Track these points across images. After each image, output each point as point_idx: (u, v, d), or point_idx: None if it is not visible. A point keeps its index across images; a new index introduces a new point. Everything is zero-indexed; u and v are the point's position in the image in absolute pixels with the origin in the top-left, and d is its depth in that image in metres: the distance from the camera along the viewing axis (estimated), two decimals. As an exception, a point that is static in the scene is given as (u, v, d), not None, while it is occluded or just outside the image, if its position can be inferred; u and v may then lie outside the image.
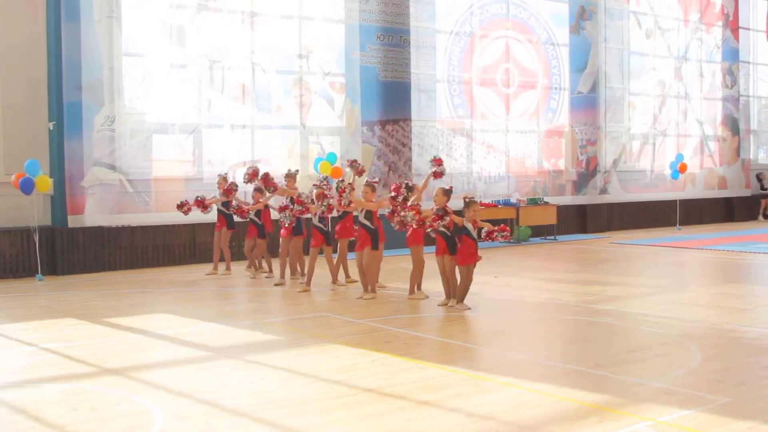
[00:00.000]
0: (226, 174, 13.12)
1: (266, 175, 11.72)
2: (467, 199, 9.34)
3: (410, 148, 16.89)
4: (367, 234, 10.31)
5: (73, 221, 13.34)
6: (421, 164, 17.17)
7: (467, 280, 9.44)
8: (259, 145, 15.32)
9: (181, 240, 14.33)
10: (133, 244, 13.91)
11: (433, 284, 10.48)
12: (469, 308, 9.46)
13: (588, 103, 20.21)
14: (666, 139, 22.18)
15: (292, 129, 15.76)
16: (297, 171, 12.36)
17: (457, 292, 9.56)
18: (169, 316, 9.50)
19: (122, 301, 10.61)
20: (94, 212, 13.52)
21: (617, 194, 20.82)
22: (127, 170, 13.86)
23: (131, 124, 13.93)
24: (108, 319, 9.29)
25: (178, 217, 13.55)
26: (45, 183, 12.35)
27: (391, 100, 16.59)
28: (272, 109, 15.60)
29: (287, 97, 15.76)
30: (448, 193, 9.52)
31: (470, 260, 9.36)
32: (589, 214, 20.04)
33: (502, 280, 12.09)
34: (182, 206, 12.70)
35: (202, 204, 12.67)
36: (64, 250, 13.23)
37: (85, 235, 13.40)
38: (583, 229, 19.88)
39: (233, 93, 15.13)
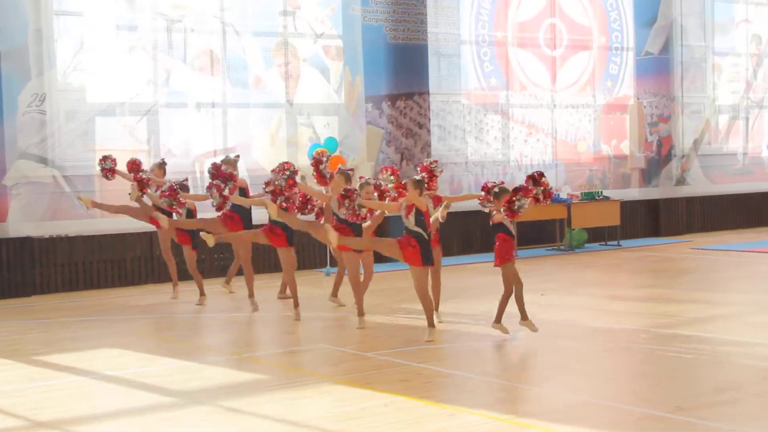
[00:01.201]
0: (162, 161, 12.93)
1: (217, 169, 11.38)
2: (496, 189, 9.24)
3: (428, 130, 16.90)
4: (351, 230, 10.05)
5: (-7, 231, 13.41)
6: (441, 149, 17.18)
7: (510, 285, 9.35)
8: (234, 129, 15.36)
9: (135, 253, 14.34)
10: (72, 260, 13.93)
11: (451, 306, 10.49)
12: (509, 332, 9.45)
13: (659, 67, 20.18)
14: (763, 111, 22.14)
15: (276, 107, 15.80)
16: (238, 156, 12.17)
17: (500, 307, 9.50)
18: (121, 351, 9.51)
19: (60, 333, 10.62)
20: (21, 219, 13.56)
21: (699, 185, 20.78)
22: (63, 164, 13.90)
23: (67, 103, 13.98)
24: (41, 357, 9.30)
25: (130, 224, 13.54)
26: (-43, 182, 12.38)
27: (403, 69, 16.58)
28: (249, 83, 15.64)
29: (268, 66, 15.80)
30: (419, 185, 9.33)
31: (507, 257, 9.33)
32: (663, 212, 20.01)
33: (552, 298, 12.07)
34: (104, 160, 12.56)
35: (143, 182, 12.26)
36: (-18, 268, 13.31)
37: (9, 248, 13.43)
38: (656, 231, 19.84)
39: (198, 62, 15.17)
